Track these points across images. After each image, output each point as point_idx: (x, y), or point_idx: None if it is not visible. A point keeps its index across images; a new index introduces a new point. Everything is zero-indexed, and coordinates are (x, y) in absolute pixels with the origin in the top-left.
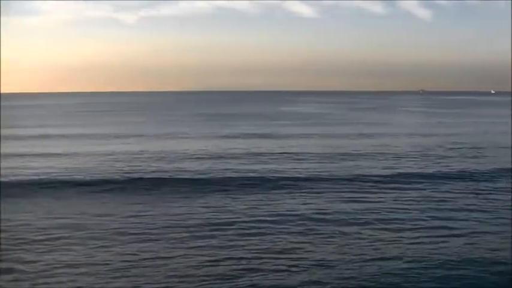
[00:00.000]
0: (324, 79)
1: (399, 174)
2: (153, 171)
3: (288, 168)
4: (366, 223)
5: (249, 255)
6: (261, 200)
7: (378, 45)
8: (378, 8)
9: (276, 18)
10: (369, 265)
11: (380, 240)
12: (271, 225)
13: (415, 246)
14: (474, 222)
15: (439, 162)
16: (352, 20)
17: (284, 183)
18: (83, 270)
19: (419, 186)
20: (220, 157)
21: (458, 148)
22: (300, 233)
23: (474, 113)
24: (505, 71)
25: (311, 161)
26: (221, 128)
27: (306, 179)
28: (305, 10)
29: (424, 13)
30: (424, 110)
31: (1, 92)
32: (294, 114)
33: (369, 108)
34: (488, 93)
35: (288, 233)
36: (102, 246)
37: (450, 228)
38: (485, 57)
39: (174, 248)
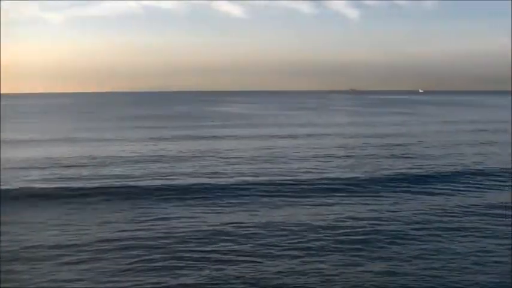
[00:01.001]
0: (255, 79)
1: (328, 179)
2: (72, 179)
3: (215, 174)
4: (288, 233)
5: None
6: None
7: (308, 45)
8: (307, 8)
9: (205, 19)
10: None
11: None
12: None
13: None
14: (396, 226)
15: (369, 164)
16: (283, 20)
17: (208, 191)
18: None
19: (348, 190)
20: (145, 162)
21: (389, 148)
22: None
23: (404, 111)
24: (432, 70)
25: (239, 165)
26: (149, 131)
27: (230, 186)
28: (235, 10)
29: (352, 13)
30: (355, 109)
31: None
32: (224, 115)
33: (301, 107)
34: (417, 93)
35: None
36: None
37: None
38: (413, 57)
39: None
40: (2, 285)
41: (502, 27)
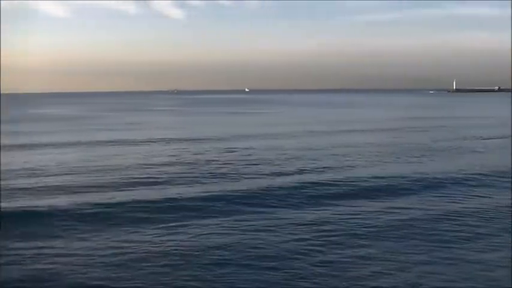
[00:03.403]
0: (76, 80)
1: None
2: None
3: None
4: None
5: None
6: None
7: (133, 46)
8: (132, 9)
9: (25, 18)
10: None
11: None
12: None
13: None
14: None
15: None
16: (107, 20)
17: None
18: None
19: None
20: None
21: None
22: None
23: (229, 111)
24: (258, 70)
25: (62, 179)
26: None
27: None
28: (55, 10)
29: (177, 13)
30: (178, 109)
31: None
32: (48, 117)
33: (126, 109)
34: (243, 92)
35: None
36: None
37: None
38: (240, 57)
39: None
40: None
41: (320, 28)
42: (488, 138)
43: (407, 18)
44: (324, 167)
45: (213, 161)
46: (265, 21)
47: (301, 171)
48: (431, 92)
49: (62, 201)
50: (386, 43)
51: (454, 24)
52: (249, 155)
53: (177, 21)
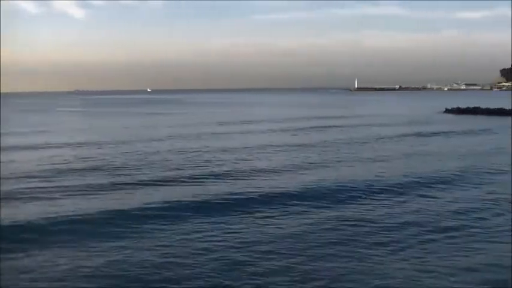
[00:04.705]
0: None
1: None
2: None
3: None
4: None
5: None
6: None
7: (31, 45)
8: (31, 7)
9: None
10: None
11: None
12: None
13: None
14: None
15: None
16: (3, 19)
17: None
18: None
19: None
20: None
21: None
22: None
23: (131, 111)
24: (160, 70)
25: None
26: None
27: None
28: None
29: (78, 12)
30: (82, 110)
31: None
32: None
33: (26, 110)
34: (145, 92)
35: None
36: None
37: None
38: (142, 56)
39: None
40: None
41: (227, 27)
42: (384, 137)
43: (318, 18)
44: (224, 172)
45: (111, 165)
46: (168, 21)
47: (199, 178)
48: (333, 91)
49: None
50: (296, 43)
51: (363, 23)
52: (152, 156)
53: (79, 20)
